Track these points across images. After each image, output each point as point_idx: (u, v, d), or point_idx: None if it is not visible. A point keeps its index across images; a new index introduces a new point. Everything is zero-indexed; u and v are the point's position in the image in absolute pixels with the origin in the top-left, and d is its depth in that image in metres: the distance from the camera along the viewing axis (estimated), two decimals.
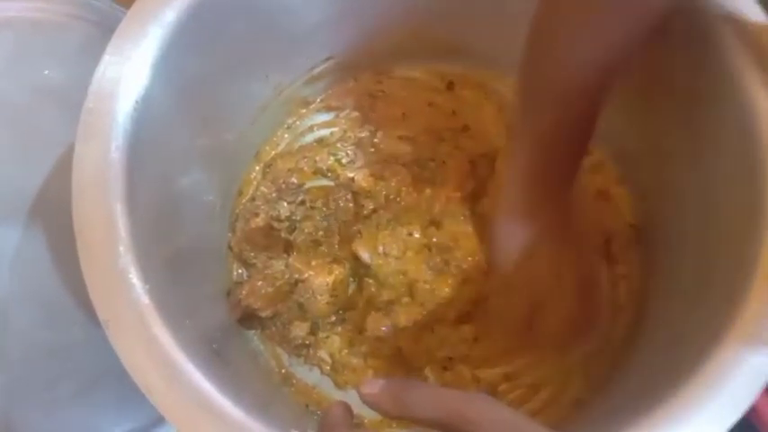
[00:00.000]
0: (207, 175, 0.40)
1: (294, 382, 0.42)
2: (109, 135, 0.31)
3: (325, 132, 0.48)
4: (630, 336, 0.41)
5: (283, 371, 0.42)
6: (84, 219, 0.29)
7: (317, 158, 0.46)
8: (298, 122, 0.49)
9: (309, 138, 0.48)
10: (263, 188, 0.46)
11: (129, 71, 0.32)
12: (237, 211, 0.45)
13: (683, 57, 0.37)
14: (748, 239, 0.30)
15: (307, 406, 0.41)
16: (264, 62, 0.42)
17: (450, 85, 0.49)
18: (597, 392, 0.40)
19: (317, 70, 0.47)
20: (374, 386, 0.27)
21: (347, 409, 0.28)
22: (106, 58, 0.32)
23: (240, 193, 0.46)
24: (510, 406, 0.40)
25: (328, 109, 0.49)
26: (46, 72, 0.46)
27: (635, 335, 0.41)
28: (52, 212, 0.43)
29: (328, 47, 0.46)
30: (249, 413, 0.28)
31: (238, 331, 0.41)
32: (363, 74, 0.49)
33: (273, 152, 0.48)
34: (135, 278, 0.28)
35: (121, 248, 0.28)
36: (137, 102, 0.32)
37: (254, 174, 0.47)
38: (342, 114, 0.49)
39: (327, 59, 0.46)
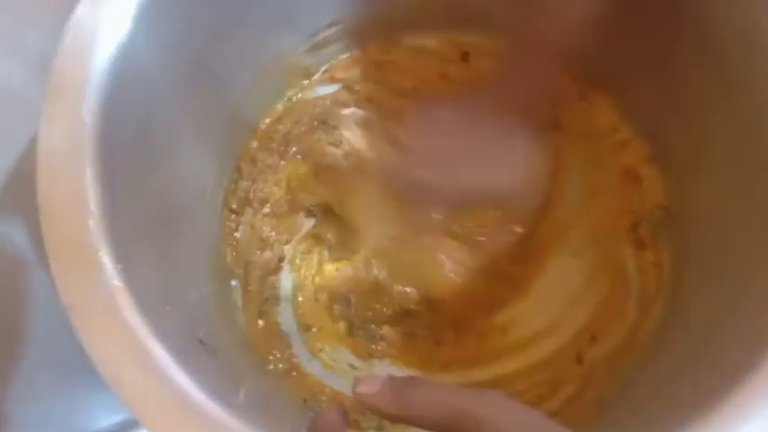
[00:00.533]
0: (196, 148, 0.36)
1: (294, 374, 0.39)
2: (81, 96, 0.27)
3: None
4: (661, 330, 0.37)
5: (280, 366, 0.39)
6: (50, 190, 0.25)
7: None
8: (299, 95, 0.45)
9: None
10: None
11: (106, 25, 0.28)
12: None
13: (727, 22, 0.33)
14: None
15: (305, 401, 0.38)
16: (261, 25, 0.39)
17: (464, 56, 0.45)
18: (623, 392, 0.37)
19: (319, 37, 0.43)
20: (372, 384, 0.24)
21: (341, 413, 0.24)
22: (80, 9, 0.28)
23: (237, 169, 0.42)
24: (528, 405, 0.38)
25: (332, 80, 0.45)
26: (31, 39, 0.43)
27: (666, 329, 0.37)
28: (27, 194, 0.40)
29: (332, 11, 0.42)
30: (236, 412, 0.24)
31: (230, 318, 0.38)
32: (371, 42, 0.45)
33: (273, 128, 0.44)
34: (106, 257, 0.24)
35: (91, 223, 0.25)
36: (114, 59, 0.28)
37: (251, 150, 0.43)
38: (347, 86, 0.45)
39: (331, 25, 0.43)
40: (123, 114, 0.29)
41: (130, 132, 0.29)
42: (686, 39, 0.36)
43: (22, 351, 0.41)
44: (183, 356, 0.24)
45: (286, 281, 0.42)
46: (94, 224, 0.25)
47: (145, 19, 0.29)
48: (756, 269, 0.31)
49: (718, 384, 0.26)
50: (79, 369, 0.40)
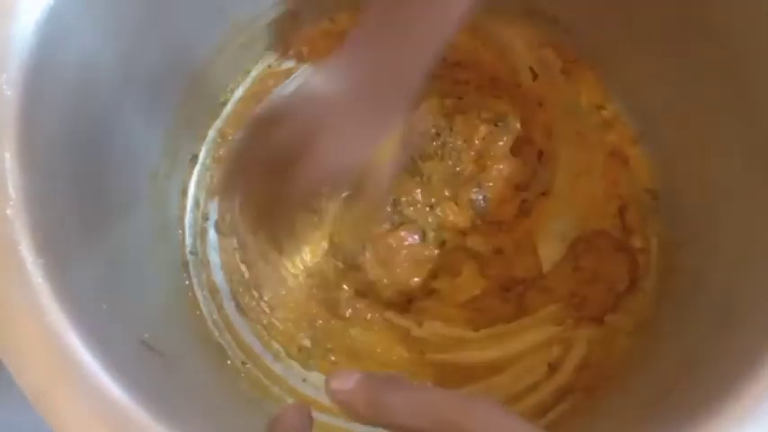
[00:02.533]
0: (145, 126, 0.33)
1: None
2: (1, 66, 0.24)
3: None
4: (650, 320, 0.35)
5: (239, 361, 0.36)
6: None
7: None
8: (261, 70, 0.42)
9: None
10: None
11: None
12: None
13: None
14: None
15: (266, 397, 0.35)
16: None
17: None
18: (609, 385, 0.35)
19: (282, 6, 0.40)
20: (348, 380, 0.21)
21: (305, 413, 0.21)
22: None
23: (194, 150, 0.39)
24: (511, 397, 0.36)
25: (298, 54, 0.42)
26: None
27: (656, 319, 0.35)
28: None
29: None
30: (181, 423, 0.21)
31: (184, 314, 0.34)
32: (340, 13, 0.42)
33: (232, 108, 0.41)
34: (26, 250, 0.21)
35: (9, 212, 0.22)
36: (39, 24, 0.25)
37: (210, 130, 0.40)
38: (313, 60, 0.42)
39: None
40: (52, 86, 0.25)
41: (61, 107, 0.26)
42: (676, 5, 0.33)
43: None
44: (120, 363, 0.21)
45: None
46: (14, 213, 0.22)
47: None
48: (755, 255, 0.29)
49: (716, 386, 0.24)
50: None
